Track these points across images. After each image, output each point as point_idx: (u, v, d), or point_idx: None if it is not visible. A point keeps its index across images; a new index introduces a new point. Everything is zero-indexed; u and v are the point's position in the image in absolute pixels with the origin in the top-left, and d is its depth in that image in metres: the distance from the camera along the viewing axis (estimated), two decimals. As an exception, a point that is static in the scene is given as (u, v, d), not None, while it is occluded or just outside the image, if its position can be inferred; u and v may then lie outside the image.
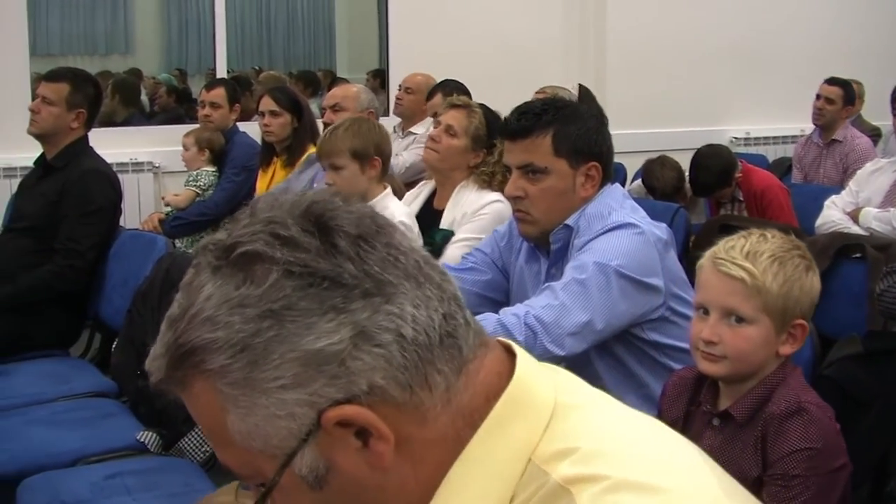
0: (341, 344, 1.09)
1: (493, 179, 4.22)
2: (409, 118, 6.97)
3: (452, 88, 6.32)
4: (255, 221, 1.15)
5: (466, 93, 6.23)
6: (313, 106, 7.30)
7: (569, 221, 3.04)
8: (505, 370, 1.21)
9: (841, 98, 7.33)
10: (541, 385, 1.22)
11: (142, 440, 3.69)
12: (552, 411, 1.19)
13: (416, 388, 1.13)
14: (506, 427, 1.17)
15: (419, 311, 1.14)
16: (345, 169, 4.19)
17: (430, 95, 6.58)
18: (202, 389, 1.12)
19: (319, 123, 5.95)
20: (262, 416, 1.10)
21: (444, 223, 4.29)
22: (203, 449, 3.61)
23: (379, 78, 9.36)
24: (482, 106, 4.47)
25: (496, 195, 4.13)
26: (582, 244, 2.96)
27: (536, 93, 6.04)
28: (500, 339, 1.27)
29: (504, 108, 3.84)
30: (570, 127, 3.03)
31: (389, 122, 6.87)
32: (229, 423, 1.12)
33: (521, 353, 1.24)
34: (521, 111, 3.10)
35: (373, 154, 4.19)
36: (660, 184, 6.30)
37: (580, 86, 6.96)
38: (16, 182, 6.21)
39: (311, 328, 1.09)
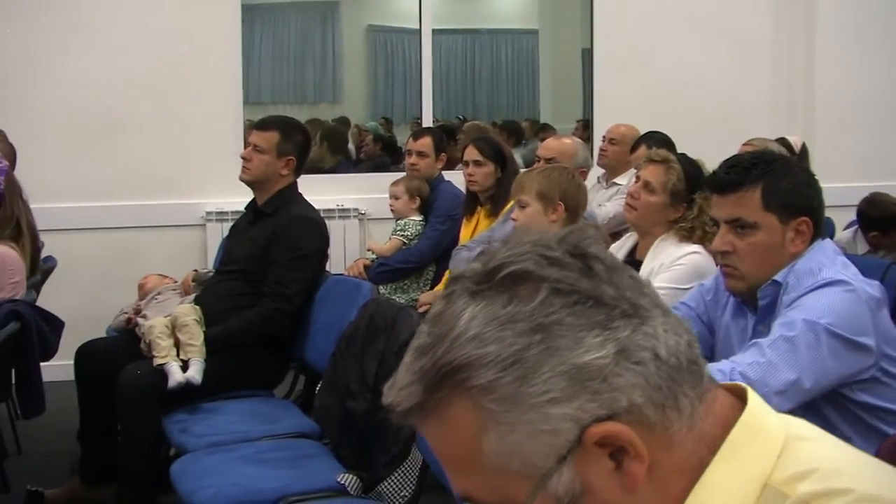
0: (606, 359, 1.11)
1: (692, 234, 4.16)
2: (613, 169, 6.93)
3: (657, 140, 6.27)
4: (519, 246, 1.18)
5: (671, 144, 6.17)
6: (517, 155, 7.34)
7: (777, 277, 2.97)
8: (735, 403, 1.23)
9: None
10: (772, 417, 1.25)
11: (342, 482, 3.72)
12: (784, 441, 1.20)
13: (668, 410, 1.14)
14: (741, 453, 1.18)
15: (669, 335, 1.16)
16: (529, 207, 4.42)
17: (635, 147, 6.54)
18: (461, 410, 1.13)
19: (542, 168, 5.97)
20: (526, 433, 1.11)
21: (643, 274, 4.25)
22: (403, 493, 3.64)
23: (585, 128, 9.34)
24: (682, 158, 4.41)
25: (695, 247, 4.07)
26: (791, 301, 2.89)
27: (744, 145, 5.93)
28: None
29: (710, 160, 3.81)
30: (780, 181, 2.97)
31: (594, 173, 6.84)
32: (486, 444, 1.12)
33: (749, 389, 1.26)
34: (731, 164, 3.05)
35: (557, 199, 4.37)
36: (878, 211, 6.10)
37: (802, 143, 6.81)
38: (227, 226, 6.42)
39: (579, 343, 1.11)
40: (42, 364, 4.54)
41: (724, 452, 1.17)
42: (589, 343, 1.11)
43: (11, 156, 5.83)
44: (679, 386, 1.15)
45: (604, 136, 7.17)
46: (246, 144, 5.33)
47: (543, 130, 10.29)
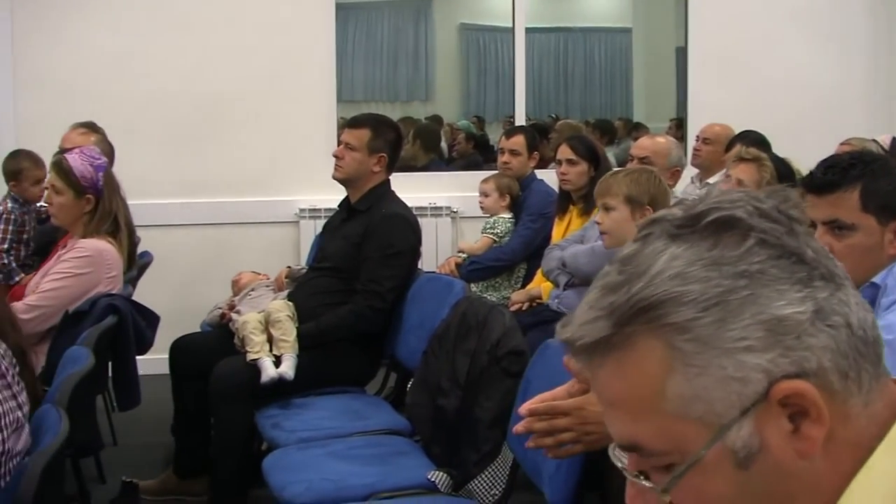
0: (804, 315, 1.10)
1: None
2: (706, 169, 6.86)
3: (751, 140, 6.18)
4: (730, 193, 1.17)
5: (766, 144, 6.09)
6: (610, 154, 7.30)
7: (876, 279, 2.91)
8: None
9: None
10: None
11: (433, 479, 3.72)
12: None
13: (850, 381, 1.12)
14: None
15: (859, 308, 1.15)
16: (615, 211, 4.36)
17: (729, 147, 6.46)
18: (649, 348, 1.12)
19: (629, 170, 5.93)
20: (715, 378, 1.09)
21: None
22: (493, 492, 3.63)
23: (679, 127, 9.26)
24: (774, 158, 4.35)
25: None
26: (889, 303, 2.83)
27: (841, 144, 5.83)
28: None
29: (806, 161, 3.75)
30: (879, 182, 2.90)
31: (687, 173, 6.77)
32: (670, 386, 1.11)
33: None
34: (828, 165, 2.99)
35: (646, 203, 4.30)
36: None
37: (893, 138, 6.67)
38: (320, 223, 6.46)
39: (781, 295, 1.10)
40: (138, 358, 4.60)
41: (891, 440, 1.14)
42: (790, 297, 1.10)
43: (110, 153, 5.93)
44: (863, 359, 1.13)
45: (698, 136, 7.10)
46: (339, 143, 5.35)
47: (636, 129, 10.21)
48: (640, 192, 4.37)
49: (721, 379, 1.09)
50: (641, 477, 1.17)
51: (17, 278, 5.78)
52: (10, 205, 6.11)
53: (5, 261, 5.94)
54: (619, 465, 1.21)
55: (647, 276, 1.12)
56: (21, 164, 6.18)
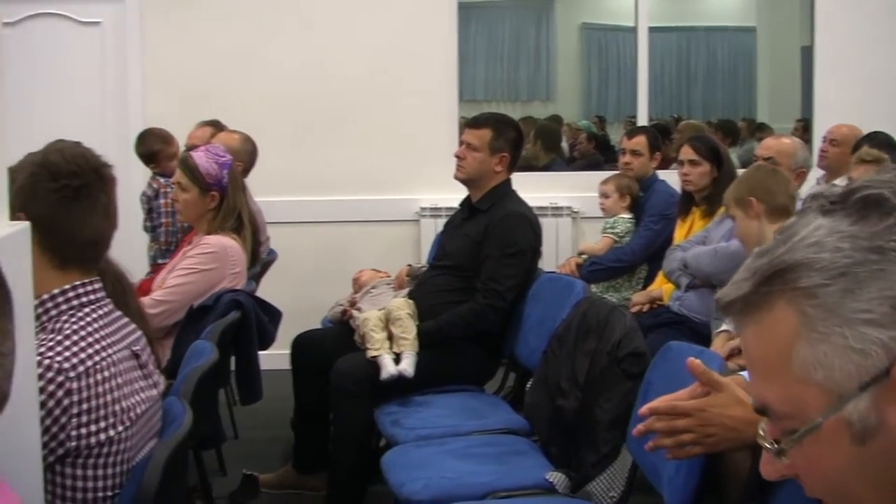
0: None
1: None
2: (833, 171, 6.71)
3: (879, 142, 6.05)
4: (886, 173, 1.19)
5: (894, 146, 5.96)
6: (733, 156, 7.20)
7: None
8: None
9: None
10: None
11: (550, 480, 3.70)
12: None
13: None
14: None
15: None
16: (735, 218, 4.47)
17: (856, 148, 6.32)
18: (781, 310, 1.14)
19: (740, 174, 5.85)
20: (836, 346, 1.11)
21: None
22: (611, 494, 3.60)
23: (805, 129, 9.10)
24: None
25: None
26: None
27: (976, 146, 5.69)
28: None
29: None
30: None
31: (814, 174, 6.65)
32: (796, 349, 1.13)
33: None
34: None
35: (747, 196, 4.36)
36: None
37: None
38: (440, 221, 6.49)
39: None
40: (260, 353, 4.66)
41: None
42: None
43: (252, 156, 6.07)
44: None
45: (824, 137, 6.96)
46: (460, 142, 5.36)
47: (760, 130, 10.06)
48: (739, 191, 4.43)
49: (841, 348, 1.10)
50: (774, 443, 1.19)
51: (162, 261, 5.99)
52: (161, 180, 6.37)
53: (171, 238, 6.21)
54: (761, 433, 1.23)
55: (790, 242, 1.15)
56: (153, 147, 6.42)
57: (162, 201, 6.42)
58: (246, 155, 6.06)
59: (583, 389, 3.84)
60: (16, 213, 2.33)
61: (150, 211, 6.51)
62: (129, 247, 5.40)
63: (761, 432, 1.22)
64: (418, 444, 4.14)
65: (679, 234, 5.89)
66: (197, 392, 3.12)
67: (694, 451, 2.33)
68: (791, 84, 10.15)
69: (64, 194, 2.51)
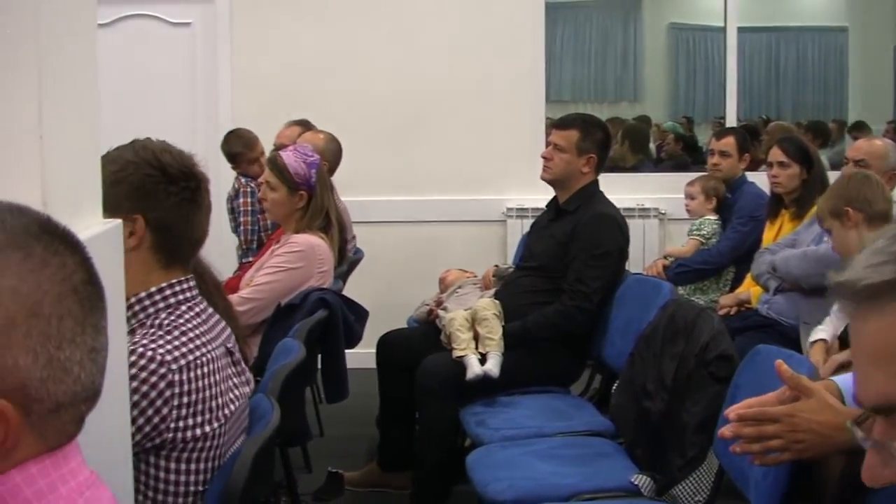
0: None
1: None
2: (927, 172, 6.61)
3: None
4: None
5: None
6: (823, 158, 7.10)
7: None
8: None
9: None
10: None
11: (636, 483, 3.68)
12: None
13: None
14: None
15: None
16: (832, 231, 4.39)
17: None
18: None
19: (830, 176, 5.78)
20: None
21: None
22: (697, 498, 3.57)
23: None
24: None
25: None
26: None
27: None
28: None
29: None
30: None
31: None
32: None
33: None
34: None
35: (843, 206, 4.29)
36: None
37: None
38: (527, 222, 6.48)
39: None
40: (346, 351, 4.68)
41: None
42: None
43: (337, 155, 6.11)
44: None
45: (917, 137, 6.86)
46: (546, 143, 5.35)
47: (858, 129, 9.92)
48: (834, 202, 4.35)
49: None
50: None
51: (246, 260, 6.05)
52: (242, 180, 6.44)
53: (251, 237, 6.29)
54: (859, 435, 1.19)
55: None
56: (234, 149, 6.50)
57: (241, 200, 6.48)
58: (331, 154, 6.10)
59: (669, 392, 3.81)
60: (125, 214, 2.37)
61: (233, 211, 6.58)
62: (217, 246, 5.47)
63: (860, 434, 1.18)
64: (503, 445, 4.14)
65: (768, 236, 5.83)
66: (284, 390, 3.14)
67: (782, 458, 2.30)
68: (883, 84, 10.01)
69: (183, 196, 2.55)
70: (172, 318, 2.50)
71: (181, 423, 2.37)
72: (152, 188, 2.53)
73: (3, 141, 1.71)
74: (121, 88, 7.38)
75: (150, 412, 2.32)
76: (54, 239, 1.24)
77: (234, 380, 2.64)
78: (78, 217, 1.92)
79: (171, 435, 2.37)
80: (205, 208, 2.64)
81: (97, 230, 2.00)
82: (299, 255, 4.59)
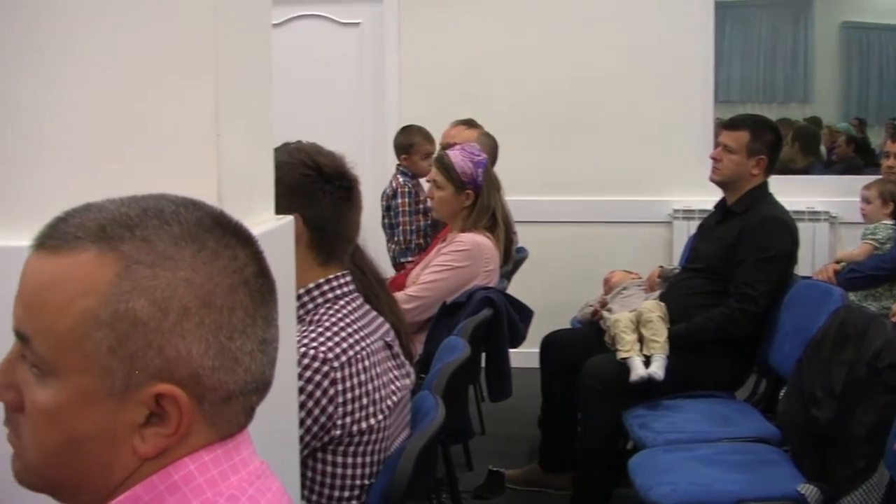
0: None
1: None
2: None
3: None
4: None
5: None
6: None
7: None
8: None
9: None
10: None
11: (802, 492, 3.60)
12: None
13: None
14: None
15: None
16: None
17: None
18: None
19: None
20: None
21: None
22: (865, 511, 3.49)
23: None
24: None
25: None
26: None
27: None
28: None
29: None
30: None
31: None
32: None
33: None
34: None
35: None
36: None
37: None
38: (693, 224, 6.41)
39: None
40: (510, 351, 4.70)
41: None
42: None
43: (494, 151, 6.12)
44: None
45: None
46: (715, 144, 5.28)
47: None
48: None
49: None
50: None
51: (404, 259, 6.13)
52: (401, 179, 6.50)
53: (409, 237, 6.35)
54: None
55: None
56: (413, 139, 6.55)
57: (400, 201, 6.51)
58: (486, 151, 6.12)
59: (839, 400, 3.73)
60: (282, 214, 2.43)
61: (388, 209, 6.61)
62: (373, 243, 5.54)
63: None
64: (666, 449, 4.11)
65: (946, 243, 5.66)
66: (448, 387, 3.17)
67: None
68: None
69: (339, 196, 2.62)
70: (331, 312, 2.55)
71: (347, 419, 2.42)
72: (309, 188, 2.59)
73: (181, 138, 1.76)
74: (291, 88, 7.53)
75: (316, 412, 2.37)
76: (226, 232, 1.27)
77: (394, 372, 2.69)
78: (251, 213, 1.97)
79: (338, 431, 2.41)
80: (357, 207, 2.70)
81: (270, 226, 2.05)
82: (465, 254, 4.63)
